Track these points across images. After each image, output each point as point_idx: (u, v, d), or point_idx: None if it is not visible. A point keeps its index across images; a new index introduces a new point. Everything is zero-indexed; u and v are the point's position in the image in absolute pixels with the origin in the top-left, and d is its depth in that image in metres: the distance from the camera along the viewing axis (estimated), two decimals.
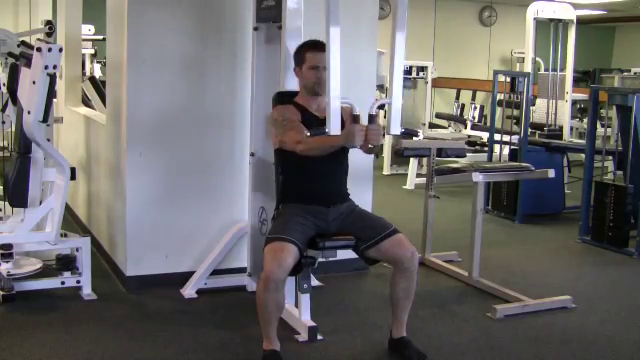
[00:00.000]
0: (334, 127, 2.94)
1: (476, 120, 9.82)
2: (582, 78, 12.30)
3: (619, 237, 5.40)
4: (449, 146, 5.01)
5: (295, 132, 3.19)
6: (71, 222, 5.52)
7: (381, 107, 3.22)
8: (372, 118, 3.03)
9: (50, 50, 3.62)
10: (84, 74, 7.76)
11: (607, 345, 3.61)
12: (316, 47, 3.32)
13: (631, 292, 4.55)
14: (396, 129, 3.06)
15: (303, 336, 3.49)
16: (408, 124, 8.26)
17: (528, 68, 7.84)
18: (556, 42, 7.80)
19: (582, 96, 8.88)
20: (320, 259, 3.31)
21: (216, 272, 4.19)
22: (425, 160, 5.92)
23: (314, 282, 4.12)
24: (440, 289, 4.45)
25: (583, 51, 10.46)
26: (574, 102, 8.88)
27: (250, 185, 4.05)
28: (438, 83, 9.69)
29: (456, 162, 5.40)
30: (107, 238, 4.64)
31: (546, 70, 8.50)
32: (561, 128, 7.88)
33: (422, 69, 8.87)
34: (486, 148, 7.24)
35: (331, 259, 3.35)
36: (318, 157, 3.25)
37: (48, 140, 4.06)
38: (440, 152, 4.89)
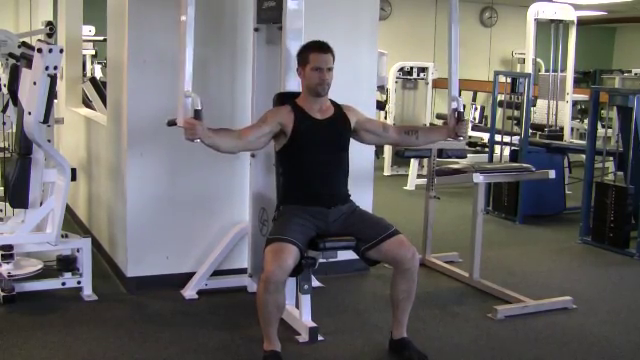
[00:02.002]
0: (180, 118, 3.27)
1: (477, 121, 9.82)
2: (582, 79, 12.29)
3: (620, 238, 5.40)
4: (450, 147, 5.01)
5: (243, 128, 3.42)
6: (72, 223, 5.52)
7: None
8: (461, 115, 3.56)
9: (51, 51, 3.62)
10: (85, 75, 7.76)
11: (607, 346, 3.61)
12: (320, 48, 3.31)
13: (632, 293, 4.55)
14: None
15: (304, 337, 3.50)
16: (408, 124, 8.29)
17: (529, 69, 7.83)
18: (557, 43, 7.79)
19: (583, 97, 8.86)
20: (321, 260, 3.31)
21: (217, 273, 4.19)
22: (426, 161, 5.92)
23: (315, 283, 4.13)
24: (441, 290, 4.45)
25: (583, 52, 10.44)
26: (575, 103, 8.86)
27: (251, 186, 4.05)
28: (439, 84, 9.65)
29: (457, 163, 5.39)
30: (108, 239, 4.63)
31: (547, 71, 8.49)
32: (562, 129, 7.87)
33: (423, 70, 8.87)
34: (487, 149, 7.24)
35: (331, 260, 3.35)
36: (318, 158, 3.28)
37: (49, 141, 4.06)
38: (441, 153, 4.89)
